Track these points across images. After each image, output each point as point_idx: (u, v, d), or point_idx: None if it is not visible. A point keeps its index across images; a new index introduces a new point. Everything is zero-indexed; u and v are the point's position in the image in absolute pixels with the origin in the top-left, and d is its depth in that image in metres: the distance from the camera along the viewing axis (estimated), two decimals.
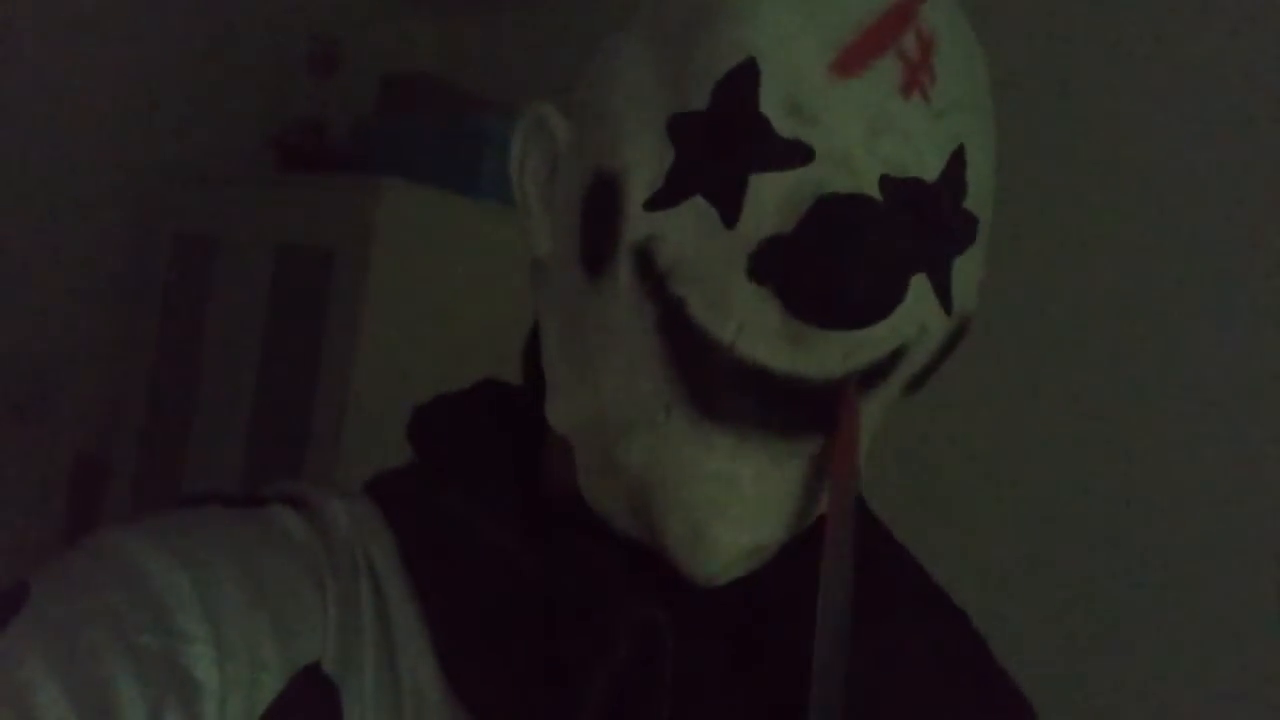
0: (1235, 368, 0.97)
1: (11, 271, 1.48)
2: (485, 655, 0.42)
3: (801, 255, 0.37)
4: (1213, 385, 0.98)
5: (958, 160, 0.41)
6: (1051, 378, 1.07)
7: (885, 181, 0.39)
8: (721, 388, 0.39)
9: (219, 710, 0.37)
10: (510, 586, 0.43)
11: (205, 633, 0.38)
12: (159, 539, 0.40)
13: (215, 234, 1.46)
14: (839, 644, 0.39)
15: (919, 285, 0.40)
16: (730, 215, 0.39)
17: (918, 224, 0.40)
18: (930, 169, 0.40)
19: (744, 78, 0.39)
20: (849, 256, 0.36)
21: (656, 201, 0.40)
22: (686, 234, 0.39)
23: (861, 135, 0.39)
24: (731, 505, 0.40)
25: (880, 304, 0.37)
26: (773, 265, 0.38)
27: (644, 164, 0.40)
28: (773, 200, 0.38)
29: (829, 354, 0.39)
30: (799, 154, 0.38)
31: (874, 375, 0.41)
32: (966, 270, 0.43)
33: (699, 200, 0.39)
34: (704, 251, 0.39)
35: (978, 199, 0.42)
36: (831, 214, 0.37)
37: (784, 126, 0.39)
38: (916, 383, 0.45)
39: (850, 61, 0.39)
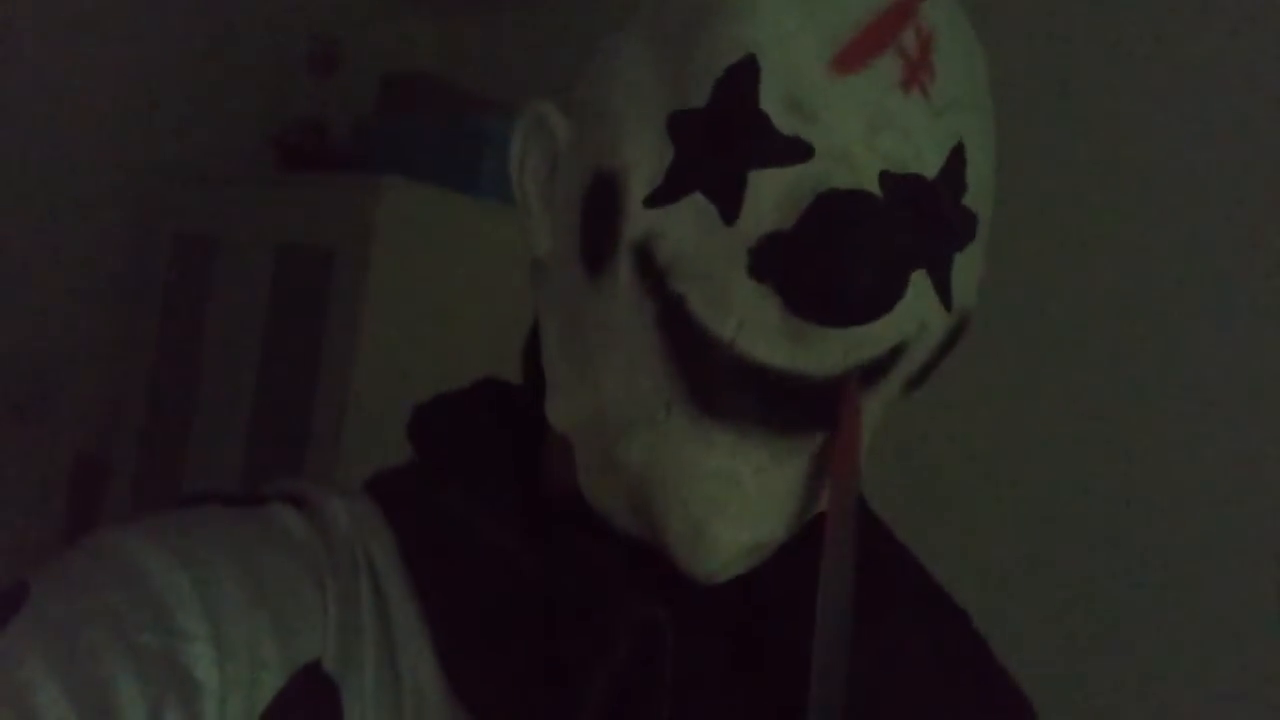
0: (1235, 368, 0.97)
1: (11, 271, 1.48)
2: (485, 654, 0.42)
3: (801, 252, 0.37)
4: (1213, 385, 0.98)
5: (957, 157, 0.41)
6: (1051, 378, 1.07)
7: (885, 178, 0.39)
8: (721, 385, 0.39)
9: (219, 709, 0.37)
10: (510, 585, 0.43)
11: (205, 632, 0.38)
12: (159, 538, 0.40)
13: (215, 234, 1.46)
14: (839, 643, 0.39)
15: (919, 282, 0.40)
16: (730, 212, 0.38)
17: (918, 220, 0.39)
18: (930, 166, 0.40)
19: (744, 75, 0.39)
20: (849, 252, 0.36)
21: (656, 199, 0.40)
22: (686, 231, 0.39)
23: (861, 132, 0.39)
24: (732, 503, 0.40)
25: (880, 300, 0.37)
26: (772, 262, 0.38)
27: (644, 162, 0.40)
28: (772, 197, 0.38)
29: (829, 351, 0.39)
30: (799, 151, 0.38)
31: (874, 372, 0.41)
32: (966, 267, 0.43)
33: (699, 197, 0.39)
34: (704, 248, 0.39)
35: (977, 196, 0.42)
36: (831, 210, 0.37)
37: (784, 123, 0.39)
38: (917, 380, 0.45)
39: (850, 59, 0.39)
